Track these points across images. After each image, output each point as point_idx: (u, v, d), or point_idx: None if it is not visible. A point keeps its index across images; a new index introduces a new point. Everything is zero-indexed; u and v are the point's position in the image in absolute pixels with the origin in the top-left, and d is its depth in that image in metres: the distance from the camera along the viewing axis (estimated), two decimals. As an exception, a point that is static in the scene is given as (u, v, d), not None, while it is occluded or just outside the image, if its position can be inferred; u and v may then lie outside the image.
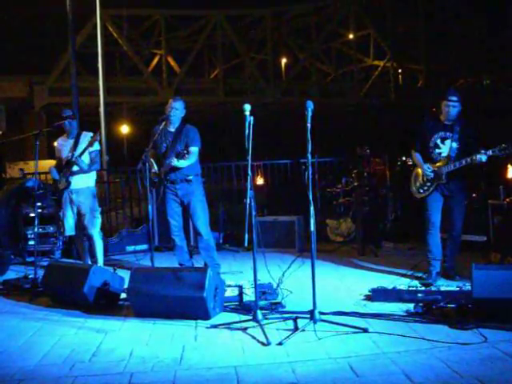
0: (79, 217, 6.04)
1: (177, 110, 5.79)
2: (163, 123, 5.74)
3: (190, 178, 5.80)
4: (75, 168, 5.96)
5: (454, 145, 5.31)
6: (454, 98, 5.27)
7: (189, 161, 5.66)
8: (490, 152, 5.04)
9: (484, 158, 5.06)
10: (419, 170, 5.52)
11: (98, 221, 6.11)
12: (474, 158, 5.08)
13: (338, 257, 7.05)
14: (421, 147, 5.51)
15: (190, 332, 4.13)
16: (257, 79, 35.07)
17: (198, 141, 5.81)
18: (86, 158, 5.96)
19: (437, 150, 5.40)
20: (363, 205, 7.65)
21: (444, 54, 31.97)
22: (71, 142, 6.08)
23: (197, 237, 6.00)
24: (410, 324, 4.07)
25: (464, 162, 5.18)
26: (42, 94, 31.81)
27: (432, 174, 5.36)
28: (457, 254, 5.56)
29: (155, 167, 5.81)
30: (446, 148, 5.36)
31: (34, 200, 6.34)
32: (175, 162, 5.56)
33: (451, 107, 5.27)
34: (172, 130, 5.85)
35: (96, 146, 6.00)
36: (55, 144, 6.34)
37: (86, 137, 6.00)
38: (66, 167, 6.00)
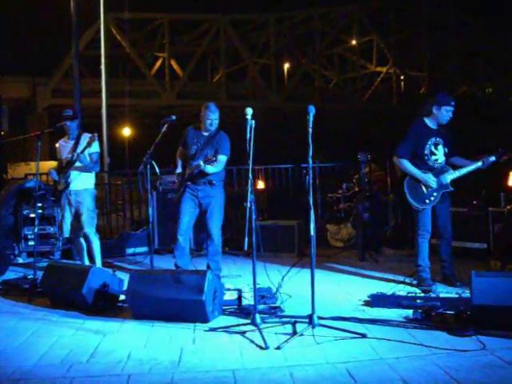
0: (77, 217, 6.03)
1: (216, 120, 5.72)
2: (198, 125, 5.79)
3: (214, 182, 5.76)
4: (78, 164, 5.90)
5: (446, 150, 5.34)
6: (453, 103, 5.27)
7: (215, 168, 5.57)
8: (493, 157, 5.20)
9: (493, 158, 5.20)
10: (416, 179, 5.29)
11: (95, 221, 6.11)
12: (486, 160, 5.18)
13: (337, 262, 7.04)
14: (410, 154, 5.31)
15: (188, 335, 4.13)
16: (259, 84, 35.13)
17: (228, 150, 5.76)
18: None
19: (433, 157, 5.31)
20: (364, 210, 7.64)
21: (446, 62, 32.02)
22: (72, 142, 6.04)
23: (207, 240, 5.92)
24: (409, 330, 4.06)
25: (474, 166, 5.23)
26: (44, 95, 31.92)
27: (436, 185, 5.26)
28: (453, 258, 5.53)
29: (179, 168, 5.85)
30: (440, 154, 5.33)
31: (35, 201, 6.34)
32: (202, 167, 5.49)
33: (450, 112, 5.26)
34: (205, 133, 5.79)
35: (96, 148, 5.98)
36: (56, 145, 6.30)
37: (86, 138, 5.94)
38: (65, 168, 5.99)
